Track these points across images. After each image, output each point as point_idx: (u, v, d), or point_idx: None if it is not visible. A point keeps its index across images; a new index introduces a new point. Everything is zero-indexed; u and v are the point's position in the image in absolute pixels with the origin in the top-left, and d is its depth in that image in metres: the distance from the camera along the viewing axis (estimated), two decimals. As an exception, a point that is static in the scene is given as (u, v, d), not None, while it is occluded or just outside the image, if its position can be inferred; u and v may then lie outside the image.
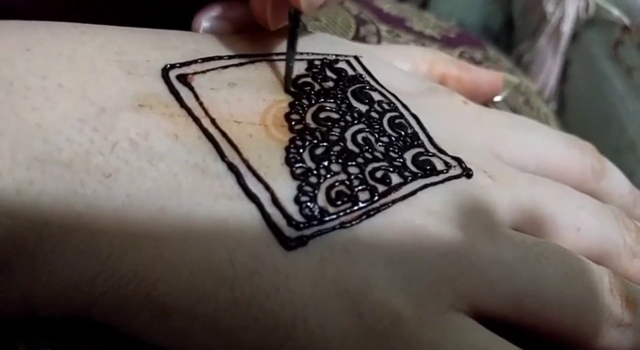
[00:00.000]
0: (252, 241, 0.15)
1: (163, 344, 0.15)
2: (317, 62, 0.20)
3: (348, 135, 0.18)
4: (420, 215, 0.17)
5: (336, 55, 0.21)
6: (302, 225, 0.15)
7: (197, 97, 0.16)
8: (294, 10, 0.18)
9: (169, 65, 0.17)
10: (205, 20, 0.19)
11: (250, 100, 0.17)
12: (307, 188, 0.16)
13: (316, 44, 0.21)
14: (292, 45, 0.19)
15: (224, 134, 0.16)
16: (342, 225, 0.16)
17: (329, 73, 0.20)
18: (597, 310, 0.17)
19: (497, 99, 0.29)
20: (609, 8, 0.40)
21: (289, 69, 0.18)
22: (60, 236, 0.14)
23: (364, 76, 0.20)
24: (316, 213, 0.16)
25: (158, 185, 0.15)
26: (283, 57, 0.19)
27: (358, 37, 0.29)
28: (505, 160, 0.21)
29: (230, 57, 0.18)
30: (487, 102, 0.28)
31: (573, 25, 0.42)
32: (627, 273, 0.20)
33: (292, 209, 0.15)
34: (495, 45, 0.42)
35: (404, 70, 0.23)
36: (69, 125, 0.15)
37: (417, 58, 0.24)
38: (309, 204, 0.16)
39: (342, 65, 0.20)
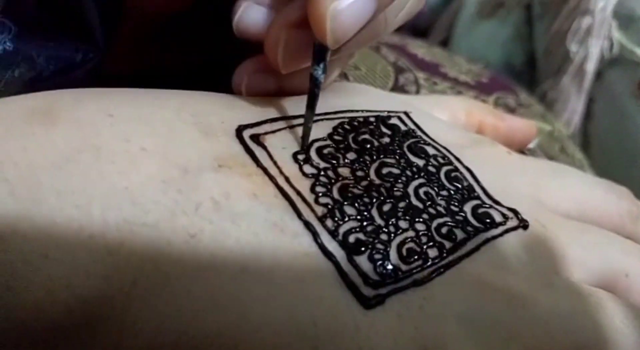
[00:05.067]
0: (332, 300, 0.15)
1: None
2: (372, 119, 0.21)
3: (411, 190, 0.18)
4: (486, 270, 0.17)
5: (387, 111, 0.21)
6: (378, 284, 0.16)
7: (270, 156, 0.17)
8: (317, 46, 0.17)
9: (242, 126, 0.17)
10: (245, 74, 0.19)
11: None
12: (380, 246, 0.16)
13: (365, 99, 0.22)
14: (311, 106, 0.18)
15: (298, 193, 0.17)
16: (416, 283, 0.16)
17: (384, 129, 0.20)
18: None
19: (531, 145, 0.30)
20: (633, 48, 0.41)
21: (306, 129, 0.18)
22: (147, 297, 0.15)
23: (416, 131, 0.21)
24: (390, 271, 0.16)
25: (240, 245, 0.15)
26: (343, 115, 0.20)
27: (397, 86, 0.30)
28: (549, 207, 0.21)
29: (298, 116, 0.19)
30: (522, 149, 0.29)
31: (597, 64, 0.43)
32: None
33: (367, 267, 0.16)
34: (517, 83, 0.42)
35: (445, 120, 0.24)
36: (153, 187, 0.15)
37: (454, 107, 0.25)
38: (382, 262, 0.16)
39: (394, 121, 0.21)
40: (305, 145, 0.18)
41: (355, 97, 0.22)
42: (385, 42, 0.35)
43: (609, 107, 0.43)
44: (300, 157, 0.18)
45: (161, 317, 0.15)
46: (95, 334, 0.15)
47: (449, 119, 0.25)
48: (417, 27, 0.60)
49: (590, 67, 0.43)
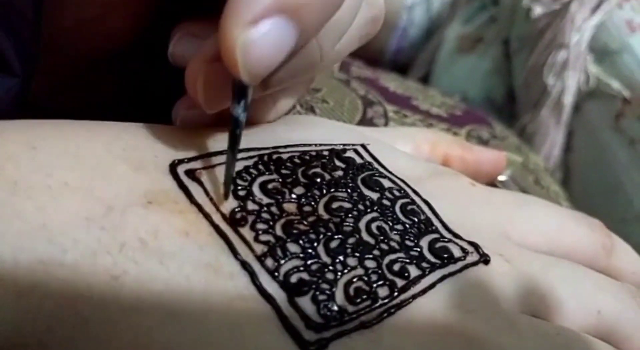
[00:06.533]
0: (270, 346, 0.14)
1: None
2: (325, 152, 0.20)
3: (362, 225, 0.17)
4: (441, 310, 0.16)
5: (343, 144, 0.20)
6: (321, 327, 0.14)
7: (206, 192, 0.16)
8: (236, 82, 0.15)
9: (176, 161, 0.16)
10: (181, 110, 0.18)
11: None
12: (325, 285, 0.15)
13: (322, 132, 0.21)
14: (232, 148, 0.16)
15: (236, 230, 0.15)
16: (363, 325, 0.15)
17: (337, 162, 0.19)
18: None
19: (502, 178, 0.29)
20: (609, 81, 0.41)
21: (228, 174, 0.16)
22: (64, 345, 0.13)
23: (372, 164, 0.20)
24: (335, 313, 0.15)
25: (169, 287, 0.14)
26: (294, 149, 0.19)
27: (365, 119, 0.29)
28: (516, 240, 0.20)
29: (241, 151, 0.18)
30: (494, 182, 0.28)
31: (574, 97, 0.43)
32: None
33: (310, 309, 0.15)
34: (498, 117, 0.42)
35: (407, 152, 0.23)
36: (75, 225, 0.14)
37: (418, 139, 0.24)
38: (327, 303, 0.15)
39: (350, 153, 0.20)
40: (227, 195, 0.16)
41: (310, 130, 0.21)
42: (357, 76, 0.35)
43: (588, 139, 0.43)
44: (241, 193, 0.17)
45: None
46: None
47: (413, 152, 0.24)
48: (397, 64, 0.60)
49: (568, 100, 0.43)
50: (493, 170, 0.26)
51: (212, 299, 0.14)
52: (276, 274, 0.15)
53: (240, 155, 0.18)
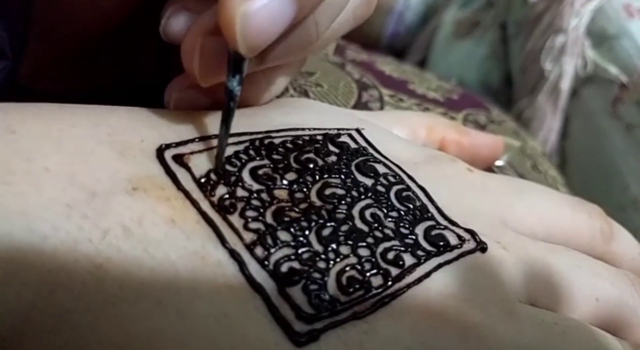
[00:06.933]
0: (259, 337, 0.13)
1: None
2: (319, 137, 0.19)
3: (356, 212, 0.17)
4: (437, 299, 0.16)
5: (338, 129, 0.20)
6: (312, 318, 0.14)
7: (194, 178, 0.15)
8: (232, 55, 0.15)
9: (164, 145, 0.16)
10: (174, 91, 0.18)
11: None
12: (316, 275, 0.15)
13: (316, 116, 0.20)
14: (226, 121, 0.16)
15: (224, 218, 0.15)
16: (356, 316, 0.14)
17: (331, 148, 0.19)
18: None
19: (499, 163, 0.28)
20: (607, 66, 0.40)
21: (220, 149, 0.16)
22: (43, 335, 0.13)
23: (367, 149, 0.20)
24: (327, 303, 0.14)
25: (154, 275, 0.14)
26: (287, 133, 0.18)
27: (360, 103, 0.29)
28: (513, 227, 0.20)
29: (230, 135, 0.17)
30: (491, 167, 0.27)
31: (572, 82, 0.42)
32: None
33: (301, 299, 0.14)
34: (494, 101, 0.41)
35: (403, 137, 0.23)
36: (55, 211, 0.14)
37: (414, 123, 0.24)
38: (318, 293, 0.14)
39: (344, 138, 0.20)
40: (219, 167, 0.16)
41: (305, 113, 0.20)
42: (352, 59, 0.34)
43: (585, 125, 0.43)
44: (231, 179, 0.16)
45: None
46: None
47: (409, 136, 0.23)
48: (394, 48, 0.59)
49: (565, 85, 0.42)
50: (490, 155, 0.26)
51: (199, 288, 0.14)
52: (266, 262, 0.15)
53: (230, 140, 0.17)
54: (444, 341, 0.15)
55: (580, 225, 0.22)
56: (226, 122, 0.16)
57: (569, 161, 0.44)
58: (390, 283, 0.15)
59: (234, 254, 0.14)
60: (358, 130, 0.20)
